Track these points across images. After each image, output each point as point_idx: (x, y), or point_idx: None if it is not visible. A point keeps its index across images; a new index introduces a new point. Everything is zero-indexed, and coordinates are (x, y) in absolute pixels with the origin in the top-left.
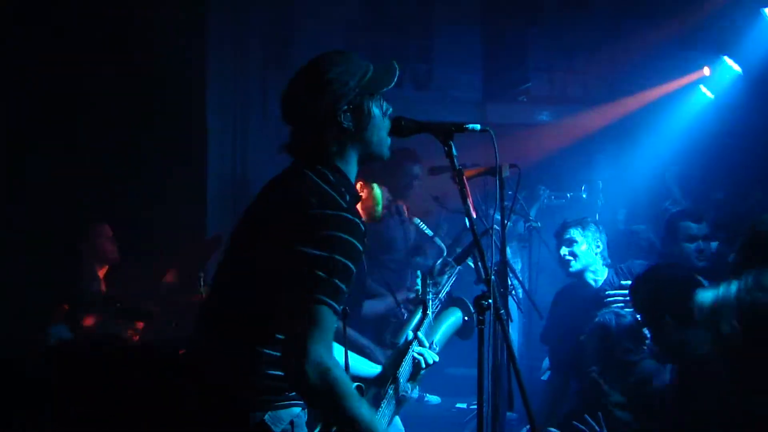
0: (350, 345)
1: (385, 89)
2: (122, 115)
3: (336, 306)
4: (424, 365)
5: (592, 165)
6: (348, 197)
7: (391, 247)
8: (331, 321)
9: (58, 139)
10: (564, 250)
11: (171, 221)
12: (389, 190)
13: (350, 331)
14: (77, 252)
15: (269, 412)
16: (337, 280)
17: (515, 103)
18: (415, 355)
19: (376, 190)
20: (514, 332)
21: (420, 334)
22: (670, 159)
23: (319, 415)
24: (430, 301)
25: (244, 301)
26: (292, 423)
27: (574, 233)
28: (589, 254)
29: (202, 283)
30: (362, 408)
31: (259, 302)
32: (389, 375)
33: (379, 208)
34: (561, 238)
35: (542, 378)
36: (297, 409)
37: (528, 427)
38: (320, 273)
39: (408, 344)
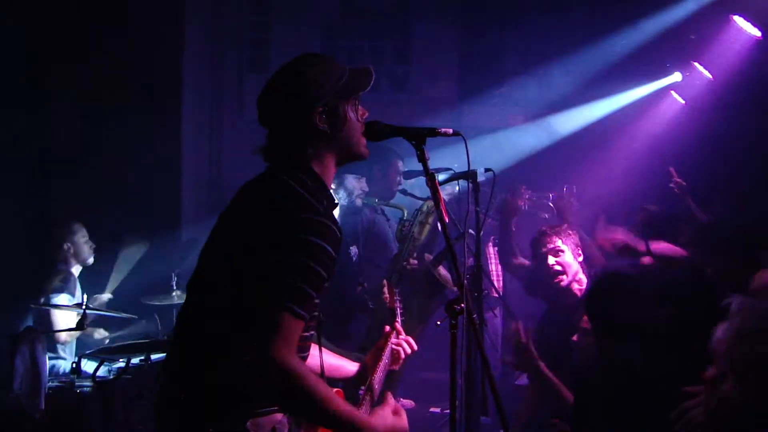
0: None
1: (360, 92)
2: (96, 118)
3: (302, 312)
4: (403, 355)
5: (566, 168)
6: (324, 202)
7: (384, 246)
8: (295, 327)
9: (29, 140)
10: (551, 260)
11: (145, 224)
12: (376, 191)
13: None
14: (59, 250)
15: (250, 419)
16: (305, 286)
17: (491, 106)
18: (394, 346)
19: (350, 179)
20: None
21: (397, 324)
22: (643, 162)
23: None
24: (398, 309)
25: (218, 306)
26: (273, 429)
27: (558, 242)
28: (573, 264)
29: (174, 286)
30: (335, 400)
31: (233, 307)
32: (370, 369)
33: (353, 198)
34: (544, 246)
35: (516, 382)
36: (279, 416)
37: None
38: (288, 278)
39: (387, 337)
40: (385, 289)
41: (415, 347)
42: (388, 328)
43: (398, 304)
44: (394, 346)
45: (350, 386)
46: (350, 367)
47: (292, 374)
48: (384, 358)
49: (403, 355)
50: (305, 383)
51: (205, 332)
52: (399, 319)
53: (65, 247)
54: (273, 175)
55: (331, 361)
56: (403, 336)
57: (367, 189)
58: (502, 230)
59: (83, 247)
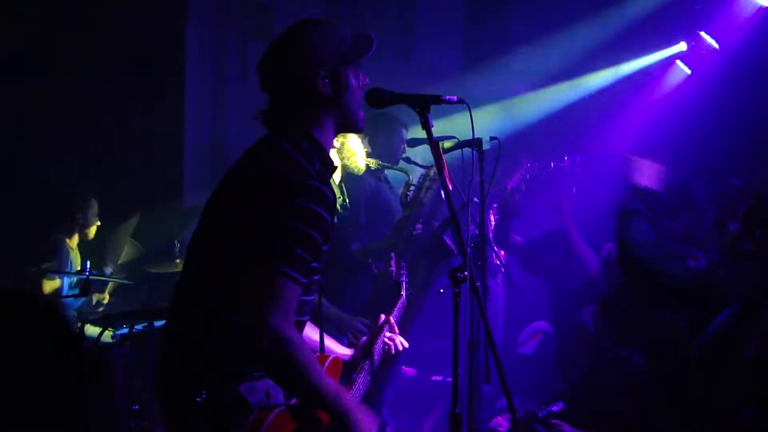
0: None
1: (362, 59)
2: (98, 86)
3: (297, 276)
4: (393, 351)
5: (571, 138)
6: (318, 165)
7: (387, 214)
8: (291, 291)
9: (32, 106)
10: None
11: (148, 190)
12: (379, 158)
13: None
14: (66, 220)
15: (244, 383)
16: (300, 250)
17: (495, 76)
18: (386, 340)
19: (353, 140)
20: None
21: (392, 318)
22: (648, 131)
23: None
24: (404, 282)
25: (215, 271)
26: (267, 394)
27: None
28: None
29: (177, 252)
30: (324, 377)
31: (229, 271)
32: (363, 354)
33: (355, 159)
34: None
35: (519, 351)
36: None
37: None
38: (282, 241)
39: (380, 328)
40: (393, 262)
41: (407, 345)
42: (383, 317)
43: (404, 278)
44: (386, 340)
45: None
46: (342, 351)
47: (285, 342)
48: (381, 337)
49: (393, 351)
50: (297, 354)
51: (201, 296)
52: (404, 293)
53: (76, 218)
54: (270, 139)
55: (326, 343)
56: (397, 333)
57: (369, 149)
58: (500, 226)
59: (91, 222)
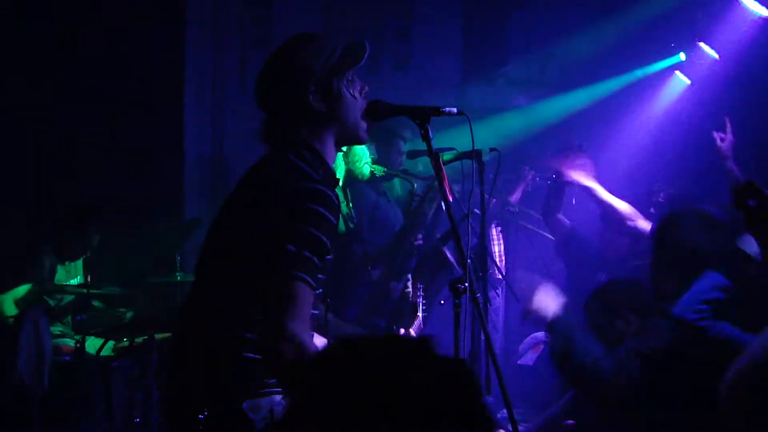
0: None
1: (355, 67)
2: (97, 96)
3: (310, 280)
4: None
5: (570, 149)
6: (321, 173)
7: (388, 230)
8: (306, 296)
9: (31, 118)
10: None
11: (148, 204)
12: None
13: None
14: (61, 239)
15: (248, 401)
16: (310, 254)
17: (494, 86)
18: None
19: (360, 146)
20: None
21: None
22: (648, 142)
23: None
24: (421, 303)
25: (223, 285)
26: (271, 412)
27: None
28: None
29: (179, 266)
30: None
31: (237, 283)
32: None
33: (361, 164)
34: None
35: (518, 362)
36: (277, 398)
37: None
38: (293, 247)
39: None
40: (409, 284)
41: None
42: None
43: (421, 300)
44: None
45: None
46: None
47: (304, 348)
48: None
49: None
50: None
51: (206, 315)
52: (420, 315)
53: (48, 230)
54: (274, 152)
55: None
56: None
57: (375, 156)
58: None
59: (75, 235)
